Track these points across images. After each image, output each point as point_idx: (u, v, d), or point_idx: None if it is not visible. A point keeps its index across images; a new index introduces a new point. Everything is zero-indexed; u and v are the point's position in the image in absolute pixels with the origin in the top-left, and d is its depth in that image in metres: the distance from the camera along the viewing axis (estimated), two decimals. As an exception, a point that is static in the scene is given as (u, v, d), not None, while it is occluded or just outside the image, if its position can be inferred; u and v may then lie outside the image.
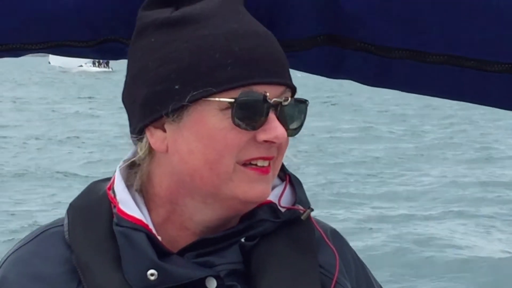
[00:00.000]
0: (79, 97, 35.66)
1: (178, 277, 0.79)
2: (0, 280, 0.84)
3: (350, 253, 0.98)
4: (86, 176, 12.91)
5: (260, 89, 0.78)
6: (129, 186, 0.86)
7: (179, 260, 0.81)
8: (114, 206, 0.84)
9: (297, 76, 1.01)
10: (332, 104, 33.81)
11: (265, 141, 0.79)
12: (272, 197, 0.87)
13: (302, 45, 1.00)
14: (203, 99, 0.77)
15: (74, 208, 0.88)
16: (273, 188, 0.88)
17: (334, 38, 1.00)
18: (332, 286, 0.86)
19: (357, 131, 22.91)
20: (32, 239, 0.88)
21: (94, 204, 0.88)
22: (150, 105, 0.80)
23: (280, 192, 0.90)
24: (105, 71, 56.84)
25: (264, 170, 0.82)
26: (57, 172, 15.00)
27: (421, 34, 0.97)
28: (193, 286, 0.79)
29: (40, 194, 12.92)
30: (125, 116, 0.87)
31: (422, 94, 1.13)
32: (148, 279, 0.78)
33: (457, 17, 0.95)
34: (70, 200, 0.90)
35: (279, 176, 0.90)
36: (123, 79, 0.88)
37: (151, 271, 0.78)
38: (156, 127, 0.81)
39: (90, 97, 36.07)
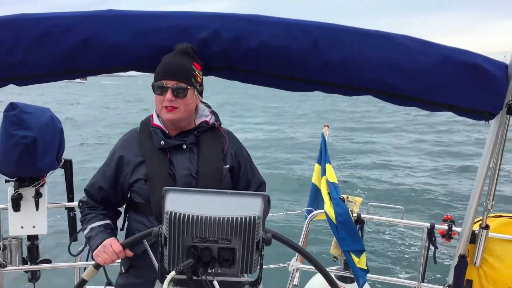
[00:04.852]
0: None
1: (172, 144, 2.10)
2: (115, 147, 2.18)
3: (238, 143, 2.28)
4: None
5: (164, 81, 2.02)
6: (157, 115, 2.15)
7: (173, 139, 2.12)
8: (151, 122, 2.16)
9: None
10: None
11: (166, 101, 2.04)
12: (207, 119, 2.19)
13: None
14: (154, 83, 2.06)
15: (141, 123, 2.20)
16: (207, 117, 2.20)
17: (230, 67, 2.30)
18: (225, 148, 2.19)
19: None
20: (127, 134, 2.22)
21: (146, 121, 2.19)
22: None
23: (210, 118, 2.20)
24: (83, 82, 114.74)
25: (170, 110, 2.05)
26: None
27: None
28: (178, 148, 2.11)
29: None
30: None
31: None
32: (161, 144, 2.09)
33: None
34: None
35: (211, 112, 2.23)
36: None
37: (162, 142, 2.09)
38: None
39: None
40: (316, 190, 3.88)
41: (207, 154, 2.12)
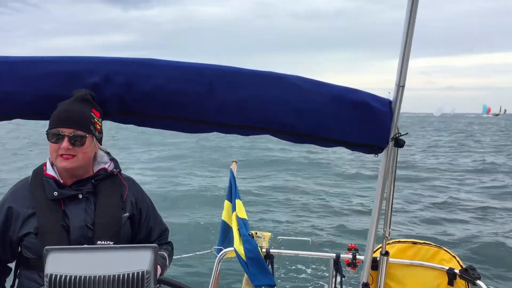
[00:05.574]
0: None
1: (66, 194, 1.99)
2: (4, 198, 2.05)
3: (140, 190, 2.25)
4: None
5: (60, 129, 1.94)
6: (51, 163, 2.06)
7: (68, 189, 2.02)
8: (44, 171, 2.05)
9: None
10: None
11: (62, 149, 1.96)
12: (106, 166, 2.14)
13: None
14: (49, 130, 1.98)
15: (33, 172, 2.08)
16: (106, 164, 2.15)
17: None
18: (125, 196, 2.14)
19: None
20: (18, 183, 2.09)
21: (39, 169, 2.08)
22: None
23: (109, 165, 2.15)
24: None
25: (66, 159, 1.97)
26: None
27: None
28: (74, 199, 2.01)
29: None
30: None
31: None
32: (54, 195, 1.97)
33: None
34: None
35: (110, 159, 2.19)
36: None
37: (55, 193, 1.98)
38: None
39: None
40: (226, 228, 3.86)
41: (105, 203, 2.04)
